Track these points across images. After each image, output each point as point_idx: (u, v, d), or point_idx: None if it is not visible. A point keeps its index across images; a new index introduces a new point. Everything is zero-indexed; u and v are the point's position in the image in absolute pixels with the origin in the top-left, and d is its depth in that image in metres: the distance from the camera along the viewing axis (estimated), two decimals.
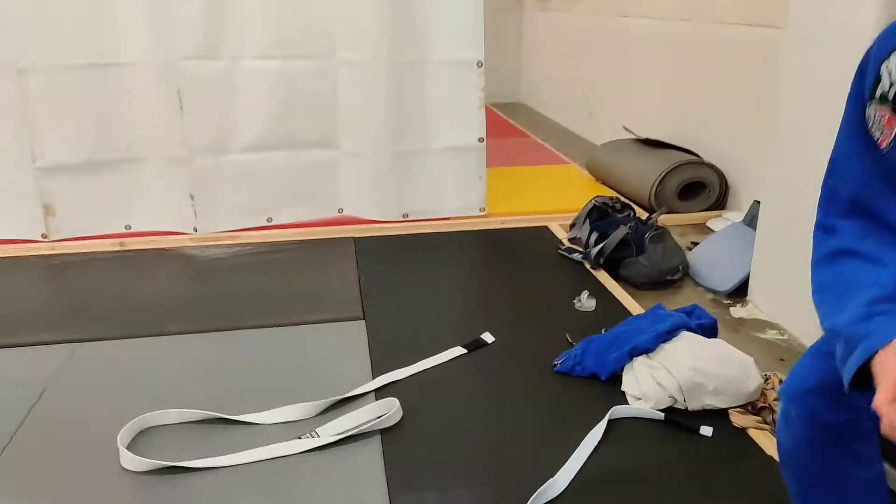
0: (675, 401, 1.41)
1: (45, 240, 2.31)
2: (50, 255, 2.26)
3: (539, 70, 5.20)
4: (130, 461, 1.20)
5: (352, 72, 2.42)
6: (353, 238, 2.43)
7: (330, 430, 1.31)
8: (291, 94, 2.40)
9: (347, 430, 1.31)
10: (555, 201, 2.84)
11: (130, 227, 2.39)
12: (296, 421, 1.35)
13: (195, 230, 2.38)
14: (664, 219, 2.58)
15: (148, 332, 1.73)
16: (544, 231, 2.54)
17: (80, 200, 2.32)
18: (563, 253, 2.30)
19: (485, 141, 2.56)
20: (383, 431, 1.33)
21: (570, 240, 2.41)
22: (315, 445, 1.27)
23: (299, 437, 1.29)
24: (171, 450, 1.27)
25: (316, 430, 1.31)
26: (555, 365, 1.59)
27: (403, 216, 2.57)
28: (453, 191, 2.59)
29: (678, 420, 1.38)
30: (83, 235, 2.33)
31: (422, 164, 2.54)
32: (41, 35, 2.16)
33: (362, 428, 1.31)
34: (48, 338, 1.70)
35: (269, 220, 2.48)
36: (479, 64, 2.48)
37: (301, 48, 2.38)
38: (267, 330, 1.75)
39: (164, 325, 1.78)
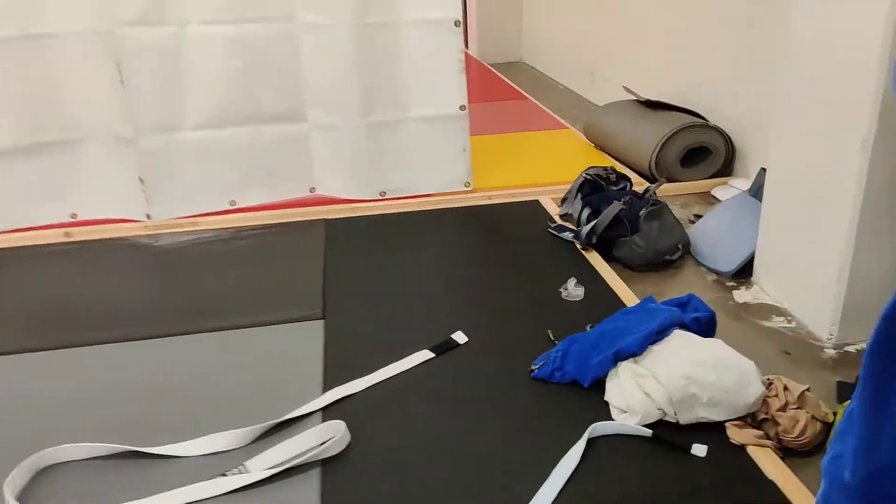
0: (665, 413, 1.22)
1: None
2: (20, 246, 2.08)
3: (541, 27, 4.89)
4: None
5: (316, 36, 2.19)
6: (325, 220, 2.24)
7: (261, 464, 1.14)
8: (249, 62, 2.17)
9: (282, 463, 1.14)
10: (549, 172, 2.62)
11: (77, 216, 2.20)
12: (224, 451, 1.18)
13: (148, 217, 2.20)
14: (665, 188, 2.36)
15: (77, 342, 1.55)
16: (535, 206, 2.33)
17: (19, 188, 2.12)
18: (553, 231, 2.09)
19: (467, 109, 2.33)
20: (325, 462, 1.16)
21: (561, 216, 2.20)
22: (242, 484, 1.10)
23: (224, 474, 1.12)
24: (72, 494, 1.10)
25: (245, 463, 1.14)
26: (532, 370, 1.41)
27: (381, 194, 2.36)
28: (435, 165, 2.37)
29: (668, 438, 1.19)
30: (25, 227, 2.14)
31: (398, 136, 2.32)
32: None
33: (300, 459, 1.14)
34: None
35: (233, 203, 2.29)
36: (457, 24, 2.23)
37: (257, 11, 2.14)
38: (211, 335, 1.57)
39: (97, 332, 1.60)
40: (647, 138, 2.48)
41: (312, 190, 2.38)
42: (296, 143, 2.31)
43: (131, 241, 2.12)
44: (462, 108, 2.33)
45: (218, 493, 1.08)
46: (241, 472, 1.12)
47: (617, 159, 2.70)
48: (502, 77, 4.65)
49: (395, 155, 2.34)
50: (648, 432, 1.20)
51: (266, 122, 2.25)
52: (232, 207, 2.28)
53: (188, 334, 1.58)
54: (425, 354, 1.47)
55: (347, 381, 1.37)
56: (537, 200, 2.37)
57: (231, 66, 2.14)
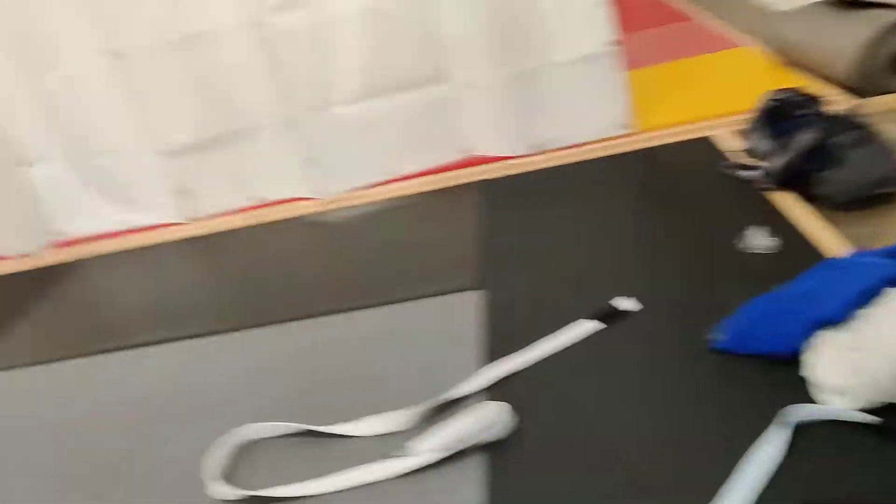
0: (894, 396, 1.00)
1: (188, 222, 2.34)
2: (194, 237, 2.28)
3: None
4: (220, 491, 1.11)
5: None
6: (480, 181, 2.17)
7: (420, 448, 1.11)
8: (388, 30, 2.14)
9: (445, 447, 1.10)
10: (723, 101, 2.30)
11: (259, 200, 2.36)
12: (391, 434, 1.17)
13: (316, 194, 2.28)
14: (875, 104, 1.97)
15: (253, 323, 1.65)
16: (707, 144, 2.07)
17: (209, 179, 2.31)
18: (730, 171, 1.84)
19: (616, 44, 2.11)
20: (488, 448, 1.11)
21: (740, 152, 1.93)
22: (401, 470, 1.08)
23: (385, 458, 1.11)
24: (265, 467, 1.18)
25: (406, 446, 1.12)
26: (711, 340, 1.24)
27: (533, 148, 2.24)
28: (587, 110, 2.19)
29: None
30: (220, 212, 2.34)
31: (545, 83, 2.17)
32: (129, 16, 2.10)
33: (461, 445, 1.10)
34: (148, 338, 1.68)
35: (388, 173, 2.30)
36: None
37: None
38: (360, 313, 1.57)
39: (270, 312, 1.68)
40: (846, 44, 2.08)
41: (463, 151, 2.32)
42: (443, 104, 2.25)
43: (300, 220, 2.22)
44: (610, 43, 2.11)
45: (389, 476, 1.08)
46: (400, 457, 1.10)
47: (810, 75, 2.31)
48: None
49: (543, 105, 2.19)
50: (874, 419, 0.98)
51: (410, 89, 2.21)
52: (386, 179, 2.29)
53: (336, 314, 1.59)
54: (590, 325, 1.36)
55: (508, 358, 1.31)
56: (708, 138, 2.10)
57: (371, 36, 2.12)
